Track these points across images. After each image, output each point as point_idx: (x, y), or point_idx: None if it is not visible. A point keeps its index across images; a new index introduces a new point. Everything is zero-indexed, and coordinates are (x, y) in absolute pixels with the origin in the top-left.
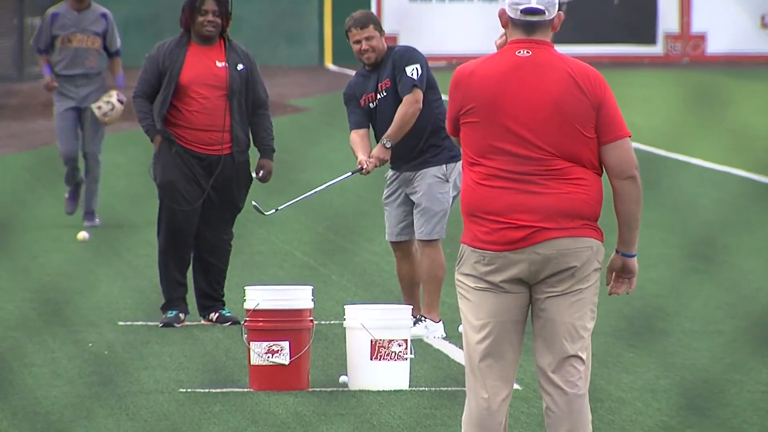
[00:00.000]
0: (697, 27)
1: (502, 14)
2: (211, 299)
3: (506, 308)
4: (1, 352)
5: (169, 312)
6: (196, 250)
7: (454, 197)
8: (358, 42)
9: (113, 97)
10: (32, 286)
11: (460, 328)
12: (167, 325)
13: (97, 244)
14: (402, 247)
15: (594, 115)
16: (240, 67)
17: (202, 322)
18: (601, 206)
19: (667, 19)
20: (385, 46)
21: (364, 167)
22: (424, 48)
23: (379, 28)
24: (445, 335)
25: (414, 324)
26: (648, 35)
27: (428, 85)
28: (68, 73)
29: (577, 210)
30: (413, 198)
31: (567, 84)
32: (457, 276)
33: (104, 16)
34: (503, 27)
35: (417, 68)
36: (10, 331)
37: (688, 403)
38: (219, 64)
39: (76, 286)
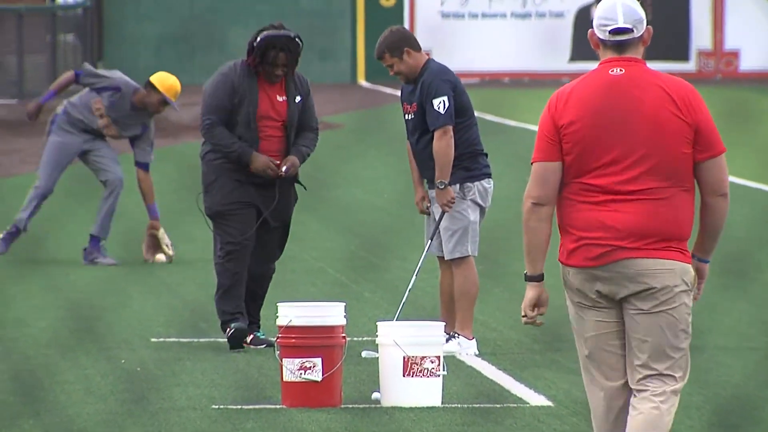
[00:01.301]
0: (730, 44)
1: (592, 36)
2: (252, 316)
3: (600, 322)
4: (33, 370)
5: (234, 323)
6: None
7: (481, 216)
8: (386, 67)
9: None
10: (64, 304)
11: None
12: (236, 338)
13: (129, 261)
14: (442, 260)
15: (690, 132)
16: (297, 99)
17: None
18: (692, 227)
19: (700, 35)
20: (418, 61)
21: (420, 211)
22: (456, 64)
23: (396, 51)
24: (477, 353)
25: (447, 340)
26: (681, 52)
27: (458, 110)
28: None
29: (661, 231)
30: (436, 217)
31: (662, 101)
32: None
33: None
34: (594, 48)
35: (444, 101)
36: (42, 349)
37: (721, 420)
38: (280, 98)
39: (109, 303)
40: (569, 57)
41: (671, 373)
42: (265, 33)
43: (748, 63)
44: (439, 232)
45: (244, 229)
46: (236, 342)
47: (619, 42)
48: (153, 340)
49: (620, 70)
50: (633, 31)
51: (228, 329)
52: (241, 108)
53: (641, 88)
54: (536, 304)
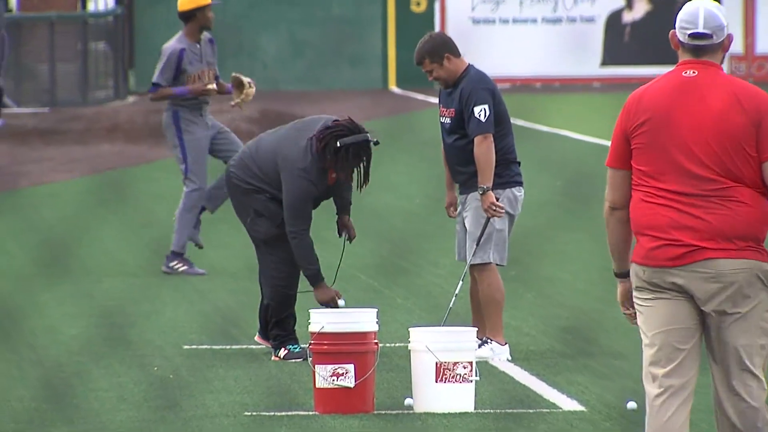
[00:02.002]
0: (761, 48)
1: (673, 37)
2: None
3: (675, 315)
4: (66, 377)
5: (296, 347)
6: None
7: (510, 224)
8: (425, 72)
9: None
10: (97, 311)
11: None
12: (299, 357)
13: (161, 267)
14: (474, 267)
15: (754, 132)
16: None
17: (273, 358)
18: (767, 227)
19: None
20: (458, 66)
21: (449, 215)
22: (488, 70)
23: (436, 57)
24: (510, 358)
25: (480, 346)
26: None
27: (495, 119)
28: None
29: (738, 231)
30: (465, 222)
31: (730, 102)
32: (634, 295)
33: (211, 41)
34: (674, 48)
35: (485, 109)
36: (75, 356)
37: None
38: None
39: (141, 311)
40: (600, 62)
41: (753, 371)
42: (347, 140)
43: None
44: (467, 239)
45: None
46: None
47: (697, 46)
48: (185, 347)
49: (693, 72)
50: (712, 36)
51: (288, 351)
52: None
53: (711, 91)
54: (624, 297)
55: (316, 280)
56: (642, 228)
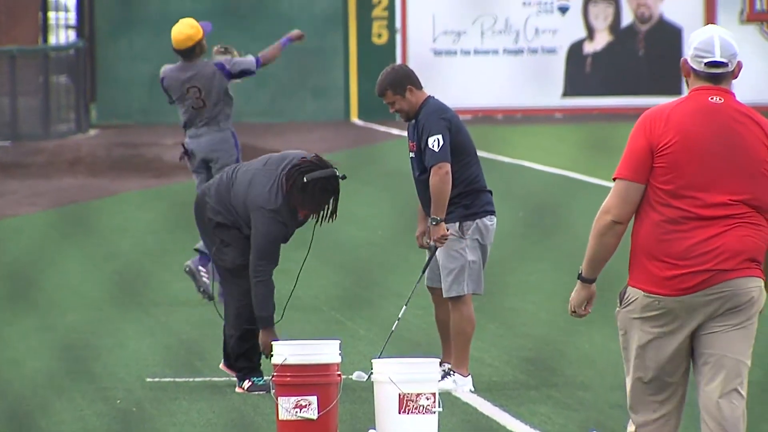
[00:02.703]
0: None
1: (684, 64)
2: (247, 366)
3: (678, 350)
4: (30, 410)
5: (260, 380)
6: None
7: (483, 253)
8: (387, 104)
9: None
10: (60, 344)
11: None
12: (263, 390)
13: (124, 300)
14: (437, 293)
15: None
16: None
17: (237, 389)
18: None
19: None
20: (419, 98)
21: (418, 245)
22: (449, 101)
23: (399, 89)
24: (473, 389)
25: (442, 378)
26: (673, 86)
27: (456, 149)
28: None
29: (752, 253)
30: (437, 253)
31: (757, 132)
32: (623, 315)
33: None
34: (685, 76)
35: (438, 139)
36: (38, 389)
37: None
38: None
39: (104, 344)
40: (562, 92)
41: (738, 388)
42: (314, 175)
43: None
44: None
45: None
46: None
47: (714, 74)
48: (148, 379)
49: (720, 99)
50: (728, 65)
51: (252, 384)
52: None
53: (740, 119)
54: (587, 302)
55: (266, 323)
56: (659, 254)
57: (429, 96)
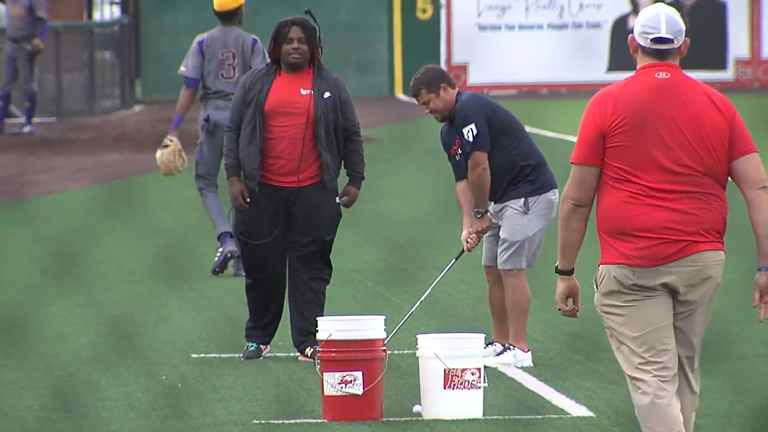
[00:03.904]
0: (767, 52)
1: (631, 41)
2: (304, 334)
3: (662, 312)
4: (75, 386)
5: (250, 345)
6: (290, 284)
7: (543, 228)
8: (422, 105)
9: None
10: (105, 320)
11: None
12: (248, 358)
13: (169, 275)
14: (492, 272)
15: (728, 133)
16: (327, 95)
17: (300, 358)
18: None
19: (738, 44)
20: (452, 97)
21: (465, 248)
22: (494, 77)
23: (433, 87)
24: (533, 365)
25: (502, 352)
26: (718, 61)
27: (498, 130)
28: None
29: (716, 225)
30: (501, 230)
31: (706, 103)
32: (601, 300)
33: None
34: (632, 53)
35: (472, 129)
36: (84, 365)
37: (764, 428)
38: (304, 91)
39: (149, 319)
40: (607, 67)
41: (694, 359)
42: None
43: None
44: (499, 245)
45: (262, 256)
46: (249, 359)
47: (660, 50)
48: (194, 355)
49: (666, 74)
50: (674, 41)
51: (246, 347)
52: (251, 104)
53: (687, 92)
54: (569, 295)
55: (227, 173)
56: (630, 229)
57: (460, 91)
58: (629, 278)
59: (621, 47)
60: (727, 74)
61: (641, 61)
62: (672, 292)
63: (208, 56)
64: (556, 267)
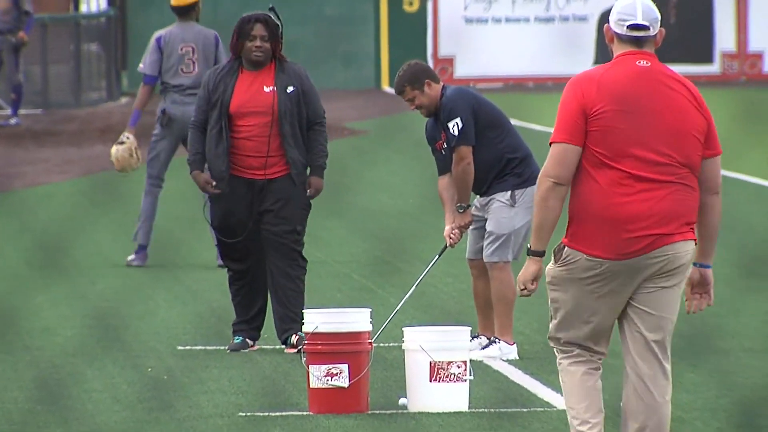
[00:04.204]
0: (754, 46)
1: (608, 30)
2: (287, 321)
3: (609, 311)
4: (61, 378)
5: (236, 338)
6: (268, 275)
7: (529, 221)
8: (407, 101)
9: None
10: (91, 312)
11: None
12: (233, 350)
13: (155, 269)
14: (476, 265)
15: (706, 128)
16: (290, 89)
17: (286, 350)
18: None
19: (724, 38)
20: (436, 92)
21: (448, 243)
22: (480, 69)
23: (417, 83)
24: (518, 358)
25: (487, 345)
26: (705, 54)
27: (484, 124)
28: None
29: (689, 216)
30: (487, 223)
31: (688, 95)
32: (559, 272)
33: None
34: (608, 42)
35: (457, 123)
36: (69, 357)
37: (749, 422)
38: (267, 89)
39: (135, 312)
40: (593, 60)
41: (665, 344)
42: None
43: None
44: (485, 238)
45: (239, 249)
46: (234, 351)
47: (636, 38)
48: (179, 348)
49: (646, 62)
50: (650, 28)
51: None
52: (216, 106)
53: (668, 82)
54: (537, 277)
55: (191, 168)
56: (607, 218)
57: (444, 85)
58: (596, 269)
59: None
60: (714, 68)
61: (618, 49)
62: (639, 281)
63: (167, 52)
64: (529, 248)
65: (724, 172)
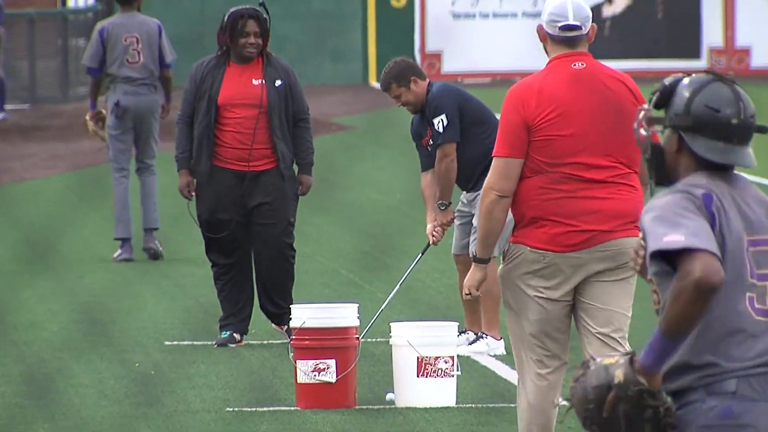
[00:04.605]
0: (741, 41)
1: (540, 30)
2: (276, 315)
3: (556, 307)
4: (48, 373)
5: (223, 332)
6: (256, 269)
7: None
8: (393, 98)
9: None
10: (78, 307)
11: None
12: (221, 345)
13: (143, 264)
14: (462, 261)
15: None
16: (278, 83)
17: (273, 326)
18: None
19: (711, 33)
20: (422, 89)
21: (431, 241)
22: (468, 64)
23: (403, 81)
24: (505, 353)
25: (474, 341)
26: (692, 50)
27: (471, 120)
28: None
29: (633, 213)
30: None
31: (624, 92)
32: (507, 274)
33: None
34: (542, 41)
35: (442, 120)
36: (57, 352)
37: None
38: (255, 81)
39: (123, 307)
40: None
41: (617, 338)
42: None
43: (759, 60)
44: (472, 233)
45: (226, 242)
46: (222, 346)
47: (569, 38)
48: (167, 343)
49: (582, 64)
50: (581, 28)
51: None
52: (203, 98)
53: (607, 82)
54: (482, 283)
55: (178, 165)
56: (547, 214)
57: (430, 81)
58: (539, 261)
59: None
60: (701, 63)
61: (552, 50)
62: (580, 280)
63: (111, 43)
64: (474, 255)
65: None
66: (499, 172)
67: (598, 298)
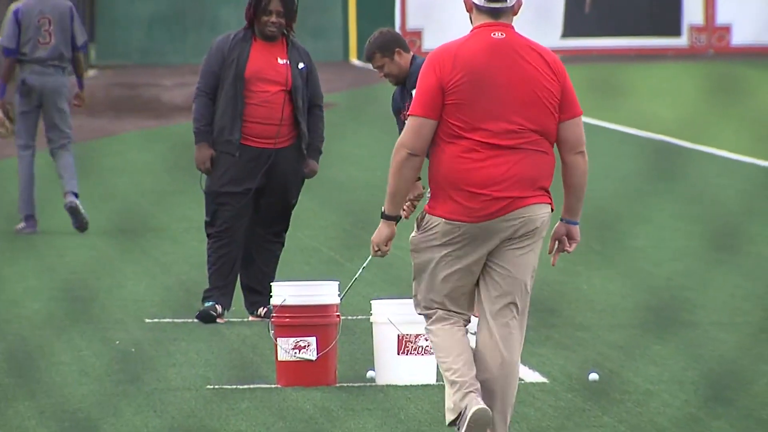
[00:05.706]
0: (721, 19)
1: (467, 0)
2: (257, 294)
3: (465, 271)
4: (28, 351)
5: (206, 303)
6: (248, 244)
7: None
8: (376, 68)
9: None
10: (59, 285)
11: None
12: (203, 317)
13: (123, 241)
14: None
15: (559, 94)
16: (301, 65)
17: (250, 318)
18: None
19: (692, 11)
20: (406, 62)
21: (402, 215)
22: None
23: (387, 51)
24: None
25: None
26: (673, 27)
27: None
28: None
29: (543, 180)
30: None
31: (541, 64)
32: (420, 239)
33: None
34: (467, 11)
35: None
36: (37, 330)
37: (716, 395)
38: (281, 61)
39: (103, 284)
40: (561, 33)
41: (518, 305)
42: None
43: (739, 38)
44: None
45: (234, 215)
46: (203, 320)
47: (494, 9)
48: (147, 320)
49: (501, 34)
50: (507, 0)
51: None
52: (230, 69)
53: (522, 52)
54: (389, 239)
55: (197, 138)
56: (462, 184)
57: (414, 55)
58: (454, 232)
59: (576, 13)
60: (681, 41)
61: (476, 20)
62: (496, 243)
63: (25, 24)
64: (383, 212)
65: (691, 146)
66: (411, 131)
67: (505, 265)
